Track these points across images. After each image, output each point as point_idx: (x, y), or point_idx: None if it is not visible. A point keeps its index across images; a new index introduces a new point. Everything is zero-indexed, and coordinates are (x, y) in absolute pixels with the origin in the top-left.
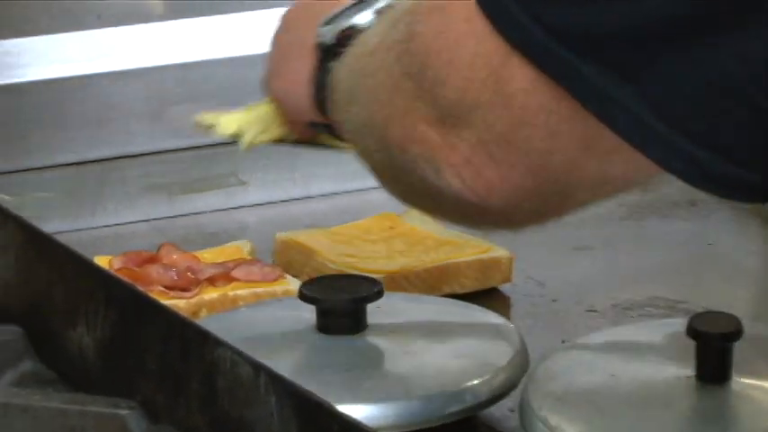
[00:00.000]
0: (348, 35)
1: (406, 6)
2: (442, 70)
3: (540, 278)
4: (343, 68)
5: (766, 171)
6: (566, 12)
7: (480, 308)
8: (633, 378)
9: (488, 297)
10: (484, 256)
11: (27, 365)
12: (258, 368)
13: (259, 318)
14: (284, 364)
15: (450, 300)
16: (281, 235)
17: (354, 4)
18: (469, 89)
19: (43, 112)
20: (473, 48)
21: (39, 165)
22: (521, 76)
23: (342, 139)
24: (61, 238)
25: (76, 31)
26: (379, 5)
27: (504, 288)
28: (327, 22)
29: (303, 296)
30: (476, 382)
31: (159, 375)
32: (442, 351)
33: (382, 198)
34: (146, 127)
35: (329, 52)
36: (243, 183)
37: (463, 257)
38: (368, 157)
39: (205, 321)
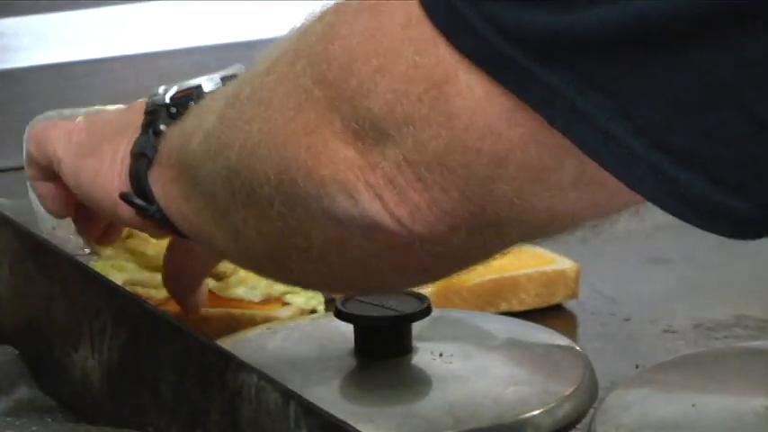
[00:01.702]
0: (188, 95)
1: (322, 12)
2: (369, 79)
3: (611, 294)
4: (206, 109)
5: (758, 198)
6: (528, 13)
7: (542, 327)
8: (717, 409)
9: (552, 315)
10: (547, 268)
11: (23, 392)
12: (288, 396)
13: (289, 339)
14: (317, 392)
15: (508, 318)
16: None
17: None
18: (401, 103)
19: (44, 101)
20: (410, 56)
21: None
22: (468, 92)
23: (156, 225)
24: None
25: (82, 9)
26: (226, 73)
27: (570, 305)
28: (163, 87)
29: (340, 314)
30: (536, 413)
31: (174, 404)
32: (498, 377)
33: None
34: None
35: (161, 113)
36: None
37: (523, 270)
38: (235, 209)
39: (227, 343)
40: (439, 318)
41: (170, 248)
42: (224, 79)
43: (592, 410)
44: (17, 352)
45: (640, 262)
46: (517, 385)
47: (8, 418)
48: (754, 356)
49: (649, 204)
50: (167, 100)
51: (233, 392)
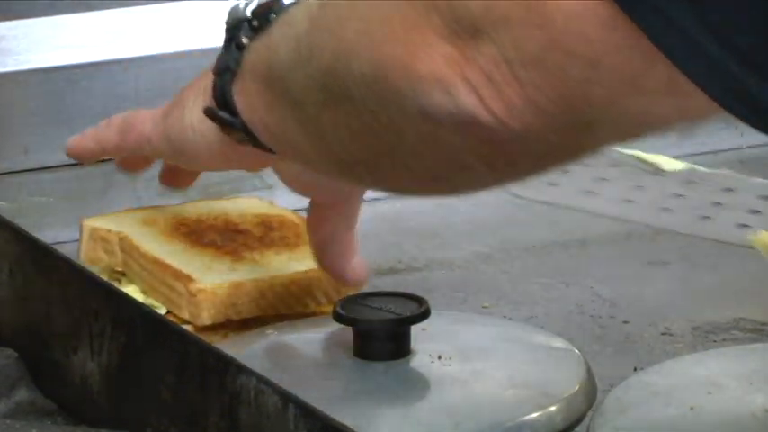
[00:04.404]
0: (269, 8)
1: None
2: None
3: (610, 296)
4: (293, 17)
5: None
6: None
7: (540, 330)
8: (715, 412)
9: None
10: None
11: (22, 394)
12: (286, 398)
13: (288, 341)
14: (316, 394)
15: (506, 320)
16: None
17: None
18: (498, 4)
19: (42, 104)
20: None
21: (37, 165)
22: None
23: (238, 140)
24: (62, 249)
25: (82, 12)
26: None
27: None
28: (243, 2)
29: (338, 316)
30: (535, 415)
31: (173, 407)
32: (496, 379)
33: (428, 203)
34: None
35: (243, 27)
36: (268, 186)
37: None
38: (326, 113)
39: (226, 346)
40: (437, 320)
41: (309, 229)
42: None
43: (590, 413)
44: (17, 354)
45: (639, 264)
46: (515, 388)
47: (8, 421)
48: (753, 359)
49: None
50: (248, 14)
51: (232, 395)
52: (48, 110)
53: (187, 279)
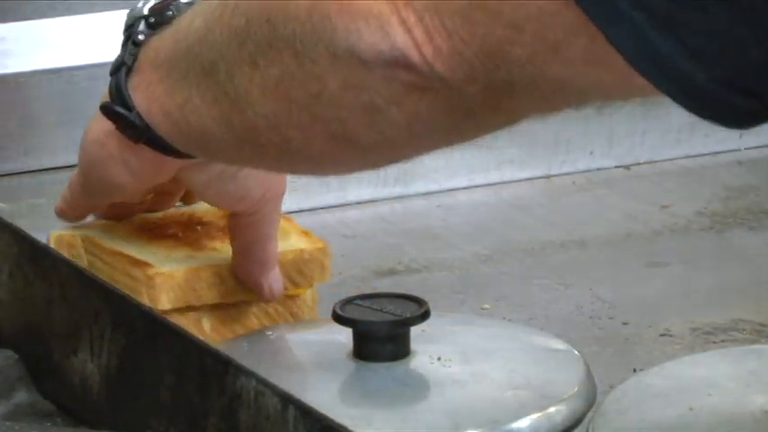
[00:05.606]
0: (166, 5)
1: None
2: None
3: (609, 298)
4: (201, 5)
5: (715, 71)
6: None
7: (540, 331)
8: (714, 412)
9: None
10: None
11: (22, 396)
12: (286, 400)
13: (288, 343)
14: (316, 396)
15: (506, 322)
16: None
17: None
18: None
19: (43, 106)
20: None
21: (37, 167)
22: None
23: (135, 135)
24: None
25: (83, 13)
26: None
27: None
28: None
29: (338, 318)
30: (535, 416)
31: (173, 408)
32: (496, 381)
33: (427, 205)
34: None
35: (139, 25)
36: None
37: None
38: (241, 67)
39: (226, 347)
40: (437, 321)
41: (233, 238)
42: None
43: (590, 414)
44: (16, 356)
45: (638, 266)
46: (515, 389)
47: (7, 423)
48: (751, 360)
49: (648, 209)
50: (146, 11)
51: (232, 397)
52: (48, 111)
53: (145, 265)
